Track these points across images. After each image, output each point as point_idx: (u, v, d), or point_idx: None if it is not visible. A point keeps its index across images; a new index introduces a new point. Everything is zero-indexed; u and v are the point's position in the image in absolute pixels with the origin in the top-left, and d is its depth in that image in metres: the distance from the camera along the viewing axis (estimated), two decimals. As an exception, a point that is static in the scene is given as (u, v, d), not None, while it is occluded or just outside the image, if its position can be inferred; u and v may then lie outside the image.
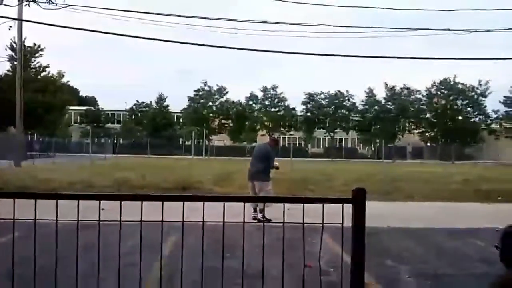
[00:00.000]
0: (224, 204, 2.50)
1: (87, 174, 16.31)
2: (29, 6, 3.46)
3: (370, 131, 57.64)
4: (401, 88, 57.16)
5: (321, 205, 2.61)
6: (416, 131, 59.22)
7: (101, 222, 2.54)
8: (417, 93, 57.54)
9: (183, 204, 2.39)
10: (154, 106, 64.28)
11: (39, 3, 3.59)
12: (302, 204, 2.65)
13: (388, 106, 56.98)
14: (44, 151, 39.92)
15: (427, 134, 59.34)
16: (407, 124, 58.71)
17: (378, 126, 56.66)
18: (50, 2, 3.55)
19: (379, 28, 25.79)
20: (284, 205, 2.57)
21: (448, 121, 56.03)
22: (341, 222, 2.64)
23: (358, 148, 66.20)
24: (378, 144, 55.68)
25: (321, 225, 2.70)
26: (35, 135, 47.11)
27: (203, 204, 2.49)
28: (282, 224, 2.66)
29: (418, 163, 43.42)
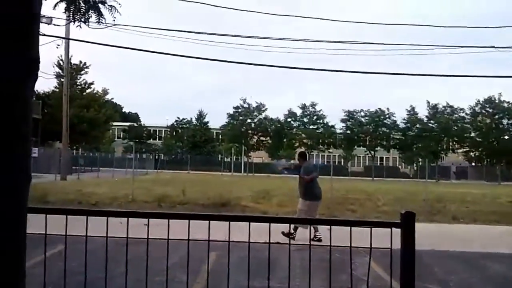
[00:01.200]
0: (269, 225, 2.44)
1: (129, 189, 16.60)
2: (80, 27, 3.61)
3: (412, 150, 56.33)
4: (443, 106, 55.74)
5: (369, 228, 2.53)
6: (460, 151, 57.45)
7: (148, 239, 2.53)
8: (461, 111, 55.94)
9: (229, 224, 2.35)
10: (194, 123, 65.29)
11: (88, 23, 3.75)
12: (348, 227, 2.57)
13: (430, 124, 55.58)
14: (88, 165, 41.09)
15: (471, 153, 57.45)
16: (450, 143, 57.06)
17: (420, 145, 55.30)
18: (100, 22, 3.69)
19: (422, 46, 25.28)
20: (330, 228, 2.50)
21: (494, 141, 54.09)
22: (389, 246, 2.55)
23: (399, 167, 64.79)
24: (420, 163, 54.26)
25: (367, 248, 2.62)
26: (80, 150, 48.65)
27: (249, 224, 2.44)
28: (328, 246, 2.58)
29: (462, 184, 42.02)
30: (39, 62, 2.02)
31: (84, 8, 4.27)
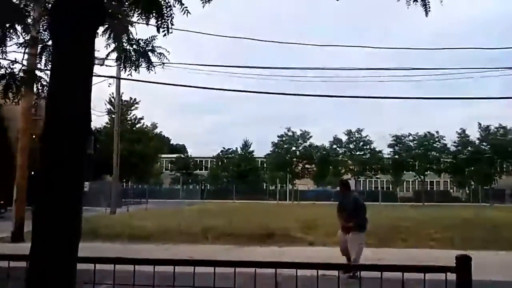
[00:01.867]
0: (317, 271, 2.42)
1: (177, 221, 16.83)
2: (131, 75, 3.83)
3: (463, 173, 54.31)
4: (496, 128, 53.67)
5: (422, 274, 2.46)
6: (514, 173, 54.88)
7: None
8: (514, 132, 53.62)
9: (275, 271, 2.36)
10: (239, 152, 65.86)
11: (138, 70, 3.95)
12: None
13: (482, 146, 53.58)
14: (137, 197, 42.07)
15: (527, 175, 54.77)
16: (504, 165, 54.65)
17: (472, 168, 53.26)
18: (149, 70, 3.87)
19: (471, 69, 24.64)
20: (381, 274, 2.45)
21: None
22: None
23: (451, 191, 62.50)
24: (473, 187, 52.16)
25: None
26: (130, 182, 50.01)
27: (296, 271, 2.43)
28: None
29: (519, 207, 39.88)
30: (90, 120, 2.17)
31: (134, 56, 4.46)
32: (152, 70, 4.34)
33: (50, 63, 3.80)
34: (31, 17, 4.11)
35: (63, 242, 1.98)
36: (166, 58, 4.35)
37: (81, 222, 2.14)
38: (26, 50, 5.28)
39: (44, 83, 4.34)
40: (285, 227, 16.73)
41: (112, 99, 39.62)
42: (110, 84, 24.37)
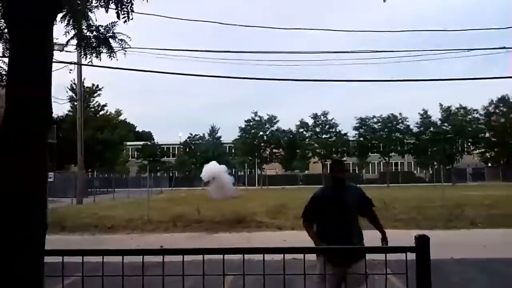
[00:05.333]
0: (283, 256, 2.47)
1: (144, 210, 16.69)
2: (91, 62, 3.70)
3: (426, 154, 55.83)
4: (457, 108, 55.19)
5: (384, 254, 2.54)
6: (475, 152, 56.85)
7: (164, 276, 2.57)
8: (474, 112, 55.35)
9: (243, 257, 2.38)
10: (207, 138, 65.56)
11: (100, 57, 3.84)
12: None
13: (444, 127, 55.11)
14: (104, 187, 41.42)
15: (487, 154, 56.82)
16: (465, 145, 56.48)
17: (435, 148, 54.81)
18: (111, 56, 3.76)
19: (432, 50, 25.14)
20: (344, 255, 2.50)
21: (509, 140, 53.44)
22: (404, 272, 2.56)
23: (415, 172, 64.24)
24: (436, 167, 53.75)
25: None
26: (95, 172, 49.11)
27: (263, 256, 2.47)
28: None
29: (479, 186, 41.49)
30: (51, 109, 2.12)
31: (94, 43, 4.37)
32: (113, 56, 4.26)
33: (7, 51, 3.69)
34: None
35: (28, 233, 1.95)
36: (128, 44, 4.28)
37: (46, 212, 2.10)
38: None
39: (3, 72, 4.20)
40: (253, 212, 16.86)
41: (74, 86, 38.64)
42: (71, 70, 23.65)
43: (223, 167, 33.70)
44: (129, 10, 3.31)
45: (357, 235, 4.78)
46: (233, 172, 60.42)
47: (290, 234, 13.13)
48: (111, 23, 3.98)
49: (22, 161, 1.94)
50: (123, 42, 4.32)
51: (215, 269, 2.65)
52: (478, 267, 8.23)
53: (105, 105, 50.76)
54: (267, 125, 58.63)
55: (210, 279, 2.63)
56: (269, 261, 2.51)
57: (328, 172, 5.36)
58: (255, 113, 58.53)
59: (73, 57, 21.46)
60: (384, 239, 4.89)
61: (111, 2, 3.36)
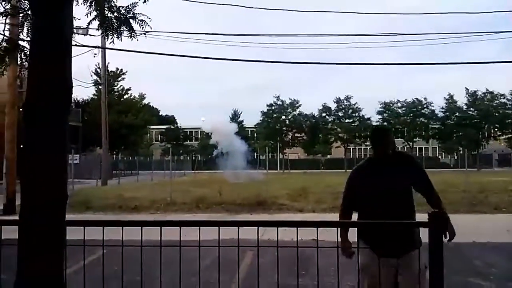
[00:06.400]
0: (297, 229, 2.53)
1: (167, 192, 16.98)
2: (113, 43, 3.80)
3: (451, 139, 54.92)
4: (483, 93, 53.98)
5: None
6: (502, 137, 55.63)
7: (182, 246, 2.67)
8: (501, 97, 53.99)
9: (257, 229, 2.46)
10: (229, 122, 65.78)
11: (121, 37, 3.94)
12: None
13: (470, 112, 54.03)
14: (128, 169, 42.11)
15: (514, 139, 55.64)
16: (492, 130, 55.31)
17: (460, 134, 53.87)
18: (131, 37, 3.85)
19: (456, 34, 24.56)
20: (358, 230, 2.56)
21: (538, 124, 52.13)
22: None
23: (439, 157, 63.36)
24: (461, 152, 52.91)
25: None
26: (120, 154, 49.92)
27: (277, 230, 2.54)
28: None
29: (505, 171, 40.68)
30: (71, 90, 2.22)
31: (116, 24, 4.45)
32: (134, 37, 4.34)
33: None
34: (10, -15, 4.07)
35: (50, 204, 2.06)
36: (149, 26, 4.35)
37: (67, 185, 2.22)
38: (8, 20, 5.22)
39: (27, 52, 4.33)
40: (274, 195, 16.98)
41: (98, 70, 39.10)
42: (95, 54, 24.11)
43: (234, 126, 33.36)
44: (148, -10, 3.39)
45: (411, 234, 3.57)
46: (255, 156, 60.66)
47: (311, 216, 13.23)
48: (132, 4, 4.06)
49: (44, 132, 2.05)
50: (143, 23, 4.39)
51: (234, 247, 2.74)
52: (500, 251, 8.17)
53: (129, 89, 51.32)
54: (289, 110, 58.40)
55: (229, 255, 2.72)
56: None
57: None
58: (277, 97, 58.38)
59: (98, 41, 21.78)
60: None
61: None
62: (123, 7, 4.08)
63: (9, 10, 4.60)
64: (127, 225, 2.66)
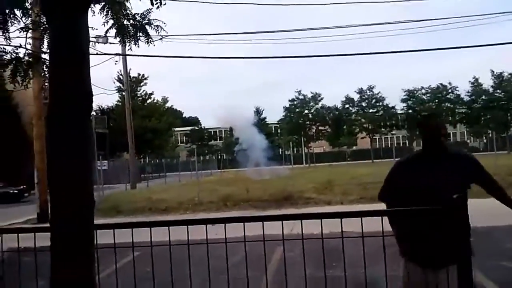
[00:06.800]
0: (321, 221, 2.57)
1: (195, 192, 17.16)
2: (131, 49, 3.93)
3: (479, 123, 53.75)
4: (509, 74, 52.61)
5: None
6: (532, 118, 54.22)
7: (209, 243, 2.73)
8: (528, 77, 52.50)
9: (282, 223, 2.50)
10: (248, 117, 65.90)
11: (138, 44, 4.06)
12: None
13: (497, 94, 52.76)
14: (155, 172, 42.69)
15: (545, 119, 54.07)
16: (520, 112, 53.93)
17: (488, 117, 52.68)
18: (148, 42, 3.96)
19: (474, 16, 23.91)
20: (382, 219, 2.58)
21: None
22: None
23: (468, 141, 62.14)
24: (490, 136, 51.70)
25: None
26: (147, 158, 50.66)
27: (301, 222, 2.58)
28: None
29: (538, 153, 39.59)
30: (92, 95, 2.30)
31: (132, 31, 4.57)
32: (151, 43, 4.45)
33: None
34: (28, 0, 4.21)
35: (78, 209, 2.16)
36: (164, 30, 4.44)
37: (93, 189, 2.30)
38: (29, 34, 5.39)
39: (47, 62, 4.48)
40: (301, 190, 16.97)
41: (121, 77, 39.76)
42: (116, 61, 24.47)
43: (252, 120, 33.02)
44: (161, -4, 3.48)
45: (459, 230, 3.07)
46: (280, 152, 60.64)
47: (340, 208, 13.18)
48: (146, 11, 4.16)
49: (67, 135, 2.15)
50: (159, 28, 4.49)
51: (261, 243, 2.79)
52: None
53: (151, 94, 52.09)
54: (312, 103, 58.11)
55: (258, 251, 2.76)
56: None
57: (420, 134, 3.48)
58: (299, 92, 58.17)
59: (118, 49, 22.11)
60: None
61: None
62: (138, 14, 4.18)
63: (29, 25, 4.75)
64: (155, 225, 2.74)
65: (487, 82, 53.65)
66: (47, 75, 5.10)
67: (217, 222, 2.72)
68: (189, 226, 2.73)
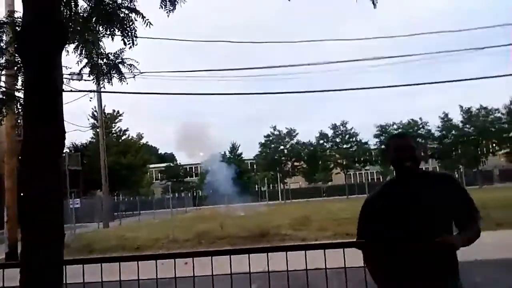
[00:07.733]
0: (305, 252, 2.63)
1: (170, 229, 16.96)
2: (104, 87, 3.99)
3: (451, 157, 55.01)
4: (477, 109, 54.37)
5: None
6: (500, 152, 55.74)
7: (177, 278, 2.76)
8: (496, 112, 54.32)
9: (267, 255, 2.56)
10: (228, 156, 65.91)
11: (111, 82, 4.16)
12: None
13: (466, 129, 54.30)
14: (129, 210, 41.92)
15: (513, 154, 55.64)
16: (490, 146, 55.47)
17: (459, 151, 54.00)
18: (121, 81, 4.05)
19: (441, 53, 25.08)
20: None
21: (536, 137, 52.25)
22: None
23: (440, 176, 63.28)
24: (461, 170, 52.89)
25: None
26: (120, 195, 49.86)
27: (286, 253, 2.64)
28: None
29: (507, 187, 40.61)
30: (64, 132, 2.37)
31: (106, 69, 4.67)
32: (124, 81, 4.55)
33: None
34: (3, 41, 4.29)
35: (48, 242, 2.19)
36: (137, 69, 4.55)
37: (63, 227, 2.34)
38: (3, 72, 5.44)
39: (21, 101, 4.52)
40: (277, 225, 16.97)
41: (95, 113, 39.56)
42: (91, 98, 24.56)
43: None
44: (133, 37, 3.61)
45: (446, 264, 2.79)
46: (256, 188, 60.55)
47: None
48: (119, 50, 4.28)
49: (40, 173, 2.20)
50: (132, 67, 4.60)
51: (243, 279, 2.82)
52: (502, 267, 8.17)
53: (126, 130, 51.80)
54: (287, 139, 58.66)
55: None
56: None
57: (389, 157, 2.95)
58: (274, 128, 58.71)
59: (93, 86, 22.11)
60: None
61: (116, 30, 3.65)
62: (111, 53, 4.29)
63: (4, 64, 4.82)
64: (124, 260, 2.76)
65: (457, 118, 55.31)
66: (20, 112, 5.13)
67: (187, 256, 2.76)
68: (157, 261, 2.76)
